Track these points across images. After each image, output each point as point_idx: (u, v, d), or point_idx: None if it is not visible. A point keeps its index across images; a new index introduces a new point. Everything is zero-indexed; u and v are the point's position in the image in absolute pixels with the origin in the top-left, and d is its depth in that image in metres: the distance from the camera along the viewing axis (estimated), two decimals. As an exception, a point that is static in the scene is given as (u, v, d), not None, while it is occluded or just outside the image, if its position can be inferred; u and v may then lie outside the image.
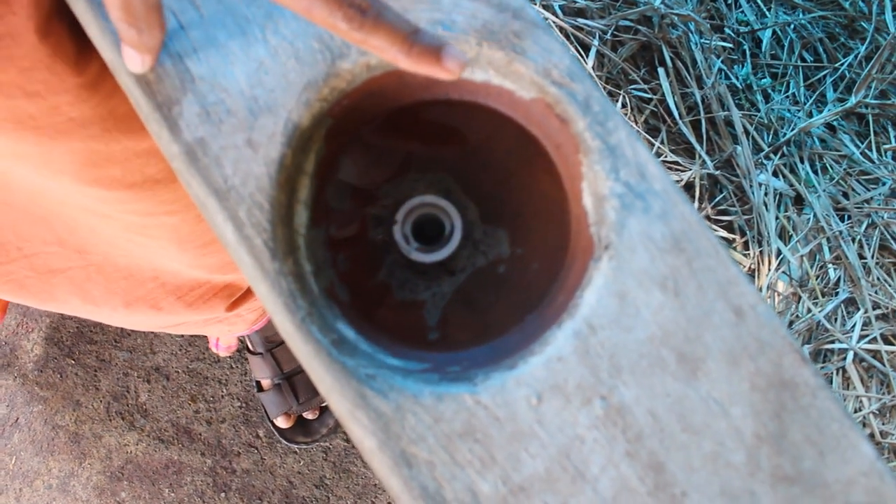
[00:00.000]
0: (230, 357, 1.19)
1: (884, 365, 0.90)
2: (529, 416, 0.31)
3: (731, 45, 1.05)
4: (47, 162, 0.47)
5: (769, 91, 1.05)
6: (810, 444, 0.31)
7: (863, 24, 1.12)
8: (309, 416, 1.13)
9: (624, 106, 0.97)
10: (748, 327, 0.32)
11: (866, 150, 1.03)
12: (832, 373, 0.90)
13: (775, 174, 0.98)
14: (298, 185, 0.34)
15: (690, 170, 0.96)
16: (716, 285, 0.32)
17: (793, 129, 1.00)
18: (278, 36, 0.34)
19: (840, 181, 1.00)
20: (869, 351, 0.90)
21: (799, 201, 0.99)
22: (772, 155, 0.99)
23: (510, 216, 0.37)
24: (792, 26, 1.10)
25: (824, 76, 1.08)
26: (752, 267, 0.94)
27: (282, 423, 1.13)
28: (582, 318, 0.32)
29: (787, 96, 1.05)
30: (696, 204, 0.96)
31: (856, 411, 0.89)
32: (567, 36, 0.97)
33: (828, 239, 0.95)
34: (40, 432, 1.16)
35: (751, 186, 0.95)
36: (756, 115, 1.02)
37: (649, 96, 0.98)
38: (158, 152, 0.50)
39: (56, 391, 1.18)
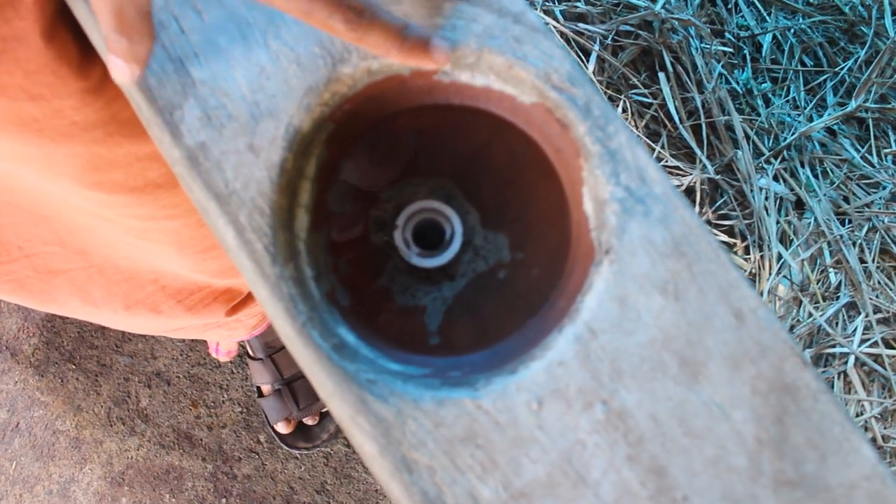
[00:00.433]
0: (231, 362, 1.19)
1: (885, 369, 0.90)
2: (530, 420, 0.31)
3: (731, 50, 1.06)
4: (49, 165, 0.48)
5: (769, 95, 1.06)
6: (812, 448, 0.31)
7: (862, 28, 1.12)
8: (309, 421, 1.13)
9: (624, 111, 0.97)
10: (749, 331, 0.32)
11: (867, 154, 1.03)
12: (833, 377, 0.90)
13: (776, 178, 0.98)
14: (299, 189, 0.34)
15: (691, 174, 0.96)
16: (716, 289, 0.32)
17: (793, 134, 1.00)
18: (279, 41, 0.34)
19: (840, 185, 0.99)
20: (870, 355, 0.90)
21: (800, 205, 0.99)
22: (772, 159, 0.99)
23: (511, 221, 0.37)
24: (792, 31, 1.10)
25: (824, 80, 1.08)
26: (753, 271, 0.94)
27: (282, 428, 1.13)
28: (583, 323, 0.32)
29: (788, 101, 1.05)
30: (697, 208, 0.96)
31: (857, 415, 0.89)
32: (568, 41, 0.97)
33: (828, 243, 0.95)
34: (41, 437, 1.16)
35: (751, 191, 0.95)
36: (756, 120, 1.02)
37: (650, 101, 0.98)
38: (160, 157, 0.50)
39: (57, 396, 1.18)
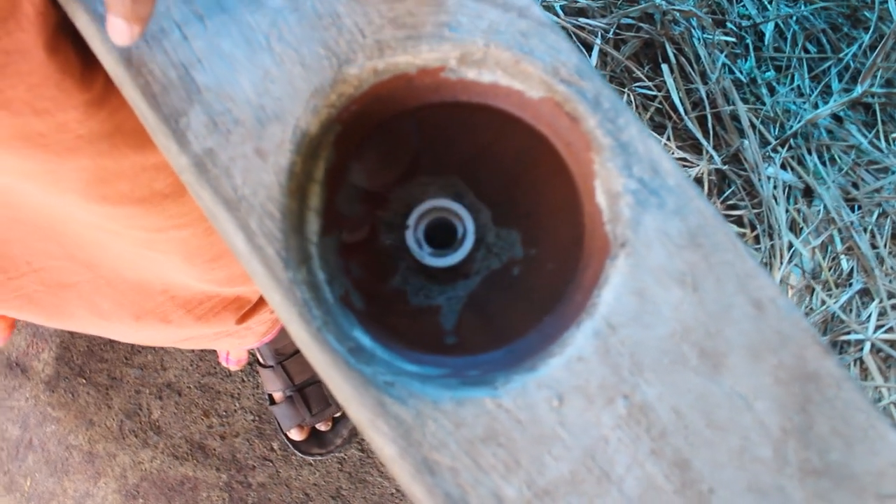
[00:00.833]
0: (241, 371, 1.19)
1: (901, 355, 0.89)
2: (552, 418, 0.31)
3: (733, 40, 1.05)
4: (55, 180, 0.47)
5: (774, 84, 1.05)
6: (837, 436, 0.31)
7: (865, 13, 1.11)
8: (322, 427, 1.13)
9: (629, 104, 0.97)
10: (769, 320, 0.31)
11: (874, 140, 1.02)
12: (850, 364, 0.89)
13: (783, 167, 0.98)
14: (309, 192, 0.34)
15: (698, 165, 0.95)
16: (735, 279, 0.32)
17: (799, 122, 1.00)
18: (283, 43, 0.34)
19: (849, 171, 0.99)
20: (886, 341, 0.90)
21: (808, 193, 0.98)
22: (779, 148, 0.99)
23: (522, 217, 0.36)
24: (794, 18, 1.09)
25: (829, 67, 1.07)
26: (764, 261, 0.94)
27: (295, 435, 1.12)
28: (601, 317, 0.31)
29: (792, 88, 1.05)
30: (705, 200, 0.95)
31: (876, 402, 0.88)
32: (569, 36, 0.97)
33: (839, 230, 0.94)
34: (54, 453, 1.16)
35: (759, 180, 0.95)
36: (762, 109, 1.01)
37: (654, 93, 0.98)
38: (166, 167, 0.50)
39: (69, 411, 1.18)
